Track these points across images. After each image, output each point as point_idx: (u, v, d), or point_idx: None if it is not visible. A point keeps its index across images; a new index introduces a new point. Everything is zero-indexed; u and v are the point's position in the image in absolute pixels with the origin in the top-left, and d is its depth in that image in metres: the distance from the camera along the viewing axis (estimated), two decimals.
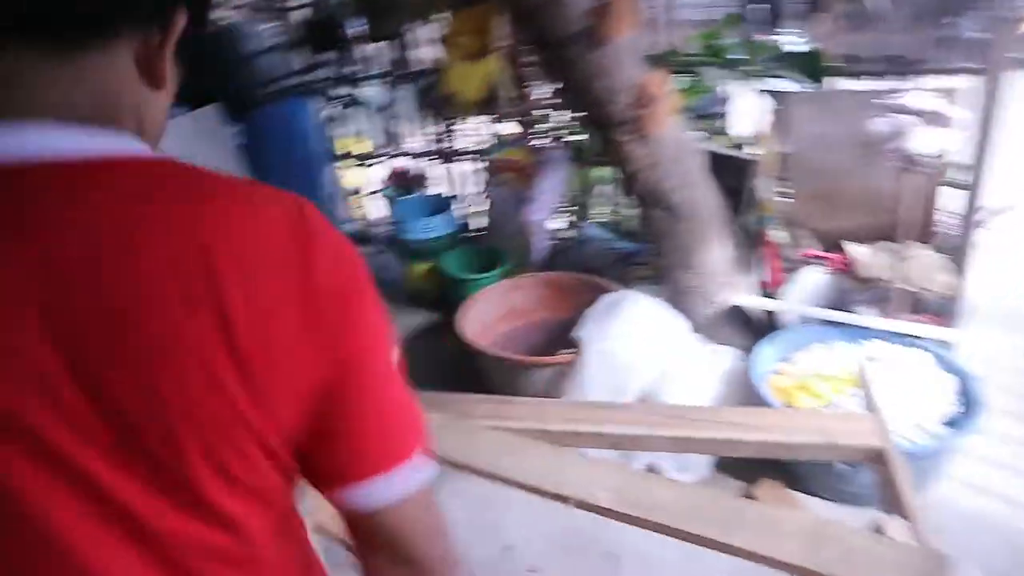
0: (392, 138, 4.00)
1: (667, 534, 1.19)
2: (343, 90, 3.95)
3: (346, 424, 0.67)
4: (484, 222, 3.70)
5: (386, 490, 0.69)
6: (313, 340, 0.63)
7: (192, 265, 0.56)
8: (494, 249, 3.39)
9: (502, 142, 3.46)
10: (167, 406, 0.57)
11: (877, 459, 1.37)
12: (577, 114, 3.01)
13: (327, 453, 0.67)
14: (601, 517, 1.25)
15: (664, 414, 1.44)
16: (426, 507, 0.75)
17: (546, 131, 3.45)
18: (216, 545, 0.65)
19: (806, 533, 1.11)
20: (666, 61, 2.96)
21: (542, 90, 3.29)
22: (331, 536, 1.46)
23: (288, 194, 0.64)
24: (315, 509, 1.35)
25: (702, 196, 2.53)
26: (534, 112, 3.41)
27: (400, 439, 0.70)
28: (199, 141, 3.08)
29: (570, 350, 2.45)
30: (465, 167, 3.81)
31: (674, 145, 2.44)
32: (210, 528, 0.64)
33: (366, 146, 4.20)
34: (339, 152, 4.11)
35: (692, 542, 1.17)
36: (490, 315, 2.96)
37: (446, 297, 3.48)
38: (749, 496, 2.22)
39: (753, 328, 2.61)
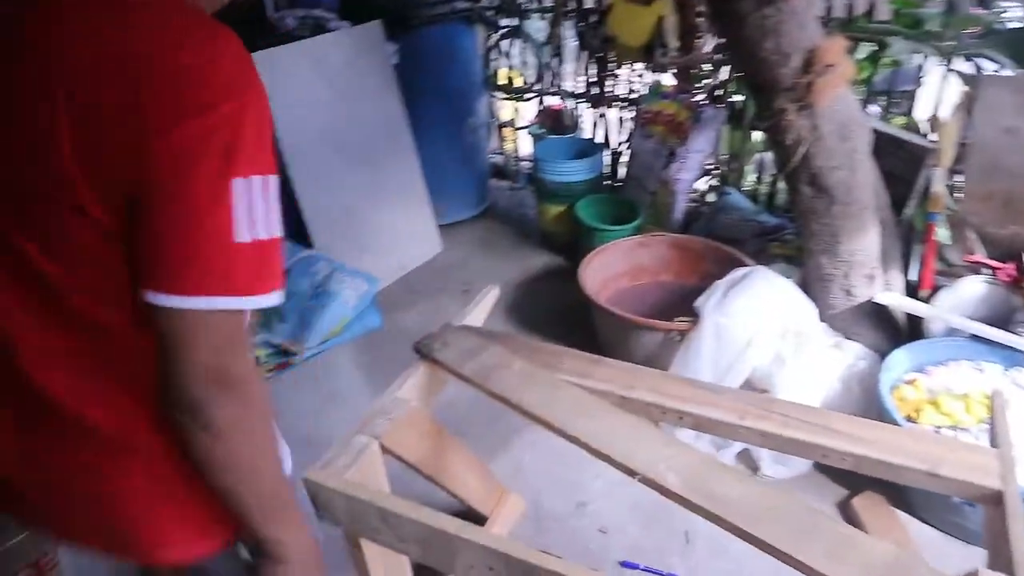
0: (548, 75, 3.92)
1: (730, 531, 1.13)
2: (507, 20, 3.89)
3: (145, 232, 0.75)
4: (625, 173, 3.59)
5: (171, 310, 0.76)
6: (136, 142, 0.72)
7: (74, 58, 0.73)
8: (630, 202, 3.29)
9: (658, 93, 3.31)
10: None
11: (992, 501, 1.22)
12: (740, 74, 2.82)
13: (134, 251, 0.77)
14: None
15: (759, 406, 1.35)
16: (209, 349, 0.78)
17: (706, 87, 3.27)
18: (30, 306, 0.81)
19: (883, 567, 1.01)
20: (848, 26, 2.69)
21: (708, 44, 3.09)
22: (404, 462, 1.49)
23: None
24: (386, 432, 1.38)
25: (863, 179, 2.31)
26: (696, 66, 3.23)
27: (196, 274, 0.75)
28: (358, 56, 3.14)
29: (687, 318, 2.36)
30: (616, 114, 3.68)
31: (841, 120, 2.22)
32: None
33: (522, 80, 4.15)
34: (496, 83, 4.09)
35: (755, 545, 1.11)
36: (613, 269, 2.90)
37: (575, 243, 3.44)
38: (846, 505, 2.08)
39: (890, 330, 2.39)
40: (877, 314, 2.37)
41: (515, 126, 4.17)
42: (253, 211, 0.76)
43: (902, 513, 2.05)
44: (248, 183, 0.76)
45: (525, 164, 4.22)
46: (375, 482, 1.37)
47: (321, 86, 3.03)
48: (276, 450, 0.93)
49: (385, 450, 1.40)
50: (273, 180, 0.79)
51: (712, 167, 3.41)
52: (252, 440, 0.85)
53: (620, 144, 3.70)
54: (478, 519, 2.02)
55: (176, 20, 0.76)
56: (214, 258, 0.76)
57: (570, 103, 3.89)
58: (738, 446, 2.23)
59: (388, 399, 1.44)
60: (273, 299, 0.81)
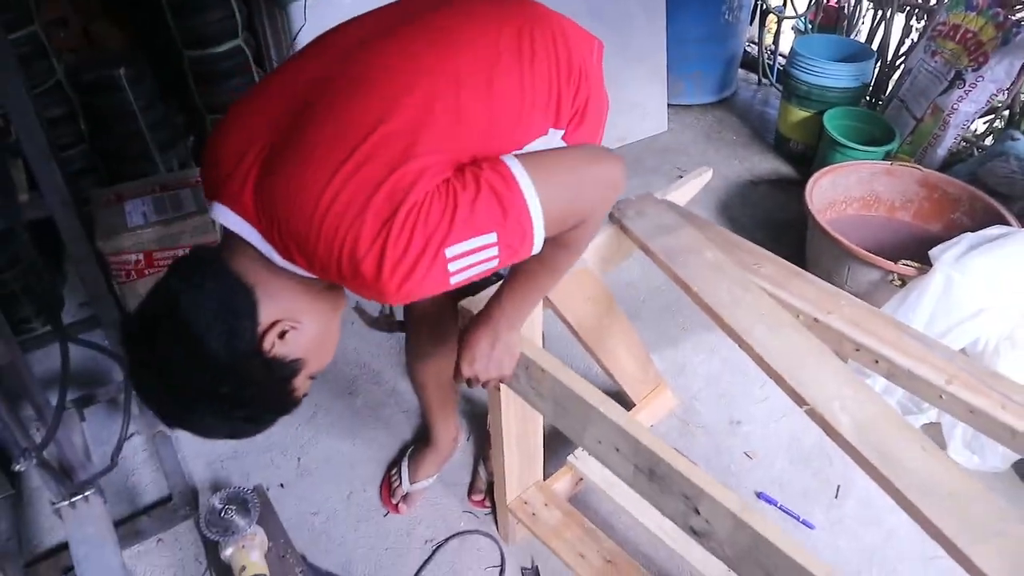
0: None
1: (896, 500, 0.98)
2: None
3: None
4: (891, 90, 3.14)
5: None
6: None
7: None
8: (887, 124, 2.89)
9: (963, 2, 2.79)
10: None
11: None
12: None
13: None
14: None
15: (975, 375, 1.14)
16: None
17: None
18: None
19: None
20: None
21: None
22: None
23: None
24: None
25: None
26: None
27: None
28: None
29: (915, 264, 2.07)
30: (904, 20, 3.18)
31: None
32: None
33: None
34: None
35: (923, 527, 0.95)
36: (846, 192, 2.59)
37: (811, 155, 3.12)
38: None
39: None
40: None
41: (781, 15, 3.75)
42: None
43: None
44: None
45: (780, 60, 3.82)
46: (528, 331, 1.33)
47: None
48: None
49: (546, 303, 1.36)
50: None
51: (1002, 105, 2.88)
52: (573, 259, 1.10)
53: (897, 56, 3.22)
54: (625, 404, 1.97)
55: None
56: None
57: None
58: (927, 417, 1.99)
59: None
60: None
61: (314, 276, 0.92)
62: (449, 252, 0.85)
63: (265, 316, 0.90)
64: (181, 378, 0.89)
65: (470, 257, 0.88)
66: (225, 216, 0.91)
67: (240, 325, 0.89)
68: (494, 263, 0.92)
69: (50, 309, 1.68)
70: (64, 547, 1.74)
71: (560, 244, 1.00)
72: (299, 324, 0.93)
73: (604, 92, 1.21)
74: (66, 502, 1.64)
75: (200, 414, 0.93)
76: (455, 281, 0.89)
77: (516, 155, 0.92)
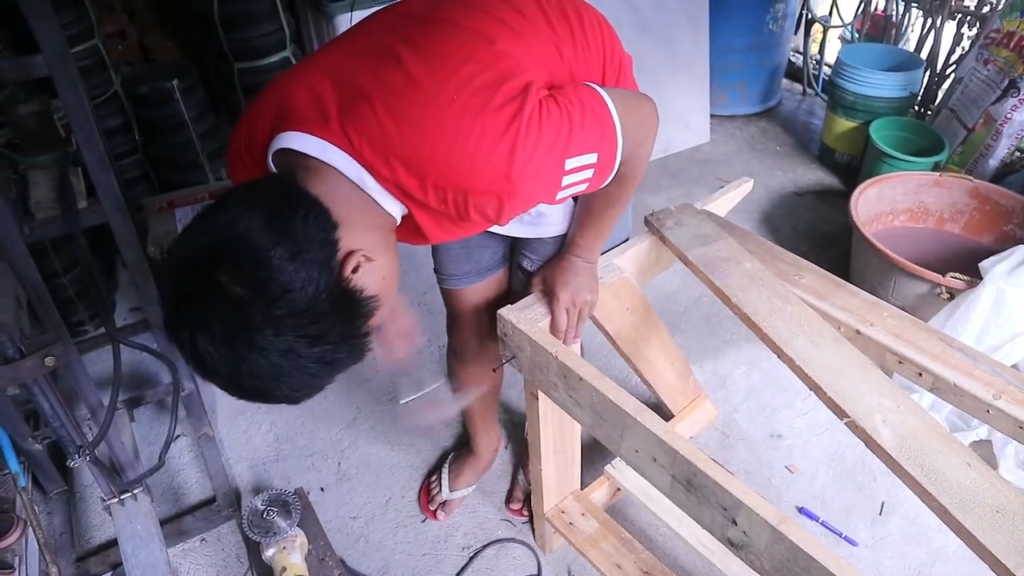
0: None
1: (940, 516, 0.96)
2: None
3: None
4: (941, 100, 3.08)
5: None
6: None
7: None
8: (936, 134, 2.83)
9: (1018, 9, 2.73)
10: None
11: None
12: None
13: None
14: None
15: None
16: None
17: None
18: None
19: None
20: None
21: None
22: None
23: None
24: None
25: None
26: None
27: None
28: None
29: (964, 277, 2.03)
30: (954, 28, 3.12)
31: None
32: None
33: None
34: None
35: (968, 544, 0.93)
36: (892, 203, 2.55)
37: (856, 166, 3.08)
38: None
39: None
40: None
41: (827, 24, 3.70)
42: None
43: None
44: None
45: (826, 70, 3.78)
46: None
47: None
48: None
49: None
50: None
51: None
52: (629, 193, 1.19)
53: (947, 64, 3.15)
54: (664, 415, 1.96)
55: None
56: None
57: (900, 5, 3.36)
58: (976, 434, 1.94)
59: (601, 263, 1.38)
60: None
61: (396, 211, 0.93)
62: (568, 164, 0.93)
63: (343, 243, 0.84)
64: (251, 311, 0.76)
65: (577, 174, 0.96)
66: (304, 142, 0.88)
67: (319, 247, 0.81)
68: (585, 186, 1.00)
69: (104, 312, 1.74)
70: (113, 543, 1.79)
71: (616, 180, 1.08)
72: (374, 259, 0.88)
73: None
74: (116, 499, 1.69)
75: (268, 354, 0.78)
76: (559, 196, 0.97)
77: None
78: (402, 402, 1.30)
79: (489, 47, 0.94)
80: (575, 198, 1.27)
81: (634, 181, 1.15)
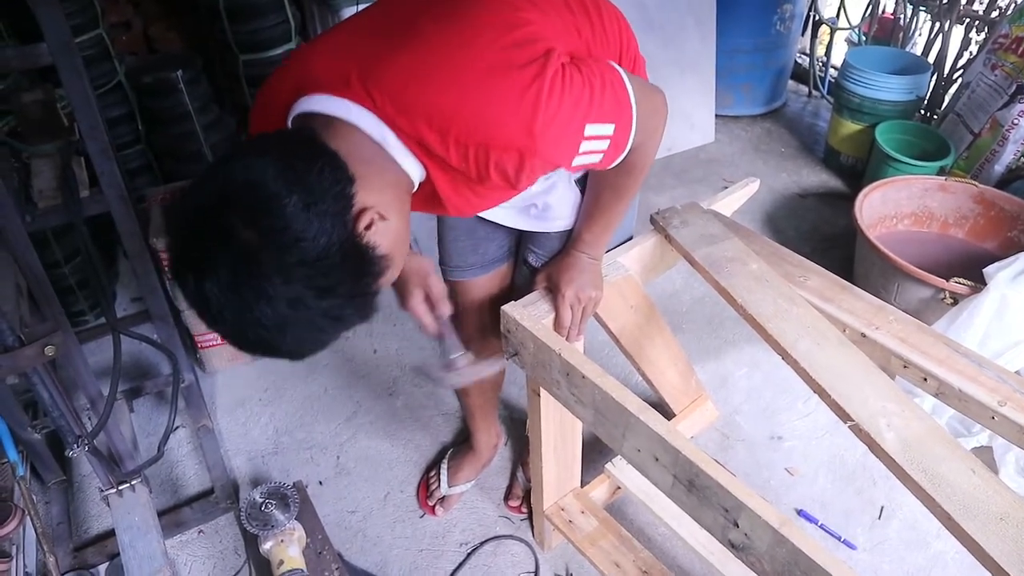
0: None
1: (942, 521, 0.95)
2: None
3: None
4: (947, 104, 3.07)
5: None
6: None
7: None
8: (942, 138, 2.82)
9: None
10: None
11: None
12: None
13: None
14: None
15: None
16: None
17: None
18: None
19: None
20: None
21: None
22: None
23: None
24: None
25: None
26: None
27: None
28: None
29: (968, 282, 2.02)
30: (962, 32, 3.10)
31: None
32: None
33: None
34: None
35: (969, 549, 0.92)
36: (897, 207, 2.54)
37: (861, 169, 3.07)
38: None
39: None
40: None
41: (834, 26, 3.69)
42: None
43: None
44: None
45: (832, 72, 3.77)
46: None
47: None
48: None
49: None
50: None
51: None
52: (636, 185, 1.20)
53: (954, 69, 3.14)
54: (665, 414, 1.95)
55: None
56: None
57: (908, 8, 3.35)
58: (977, 440, 1.93)
59: (606, 261, 1.38)
60: None
61: (414, 171, 0.93)
62: (587, 130, 0.94)
63: (359, 199, 0.83)
64: (261, 257, 0.75)
65: (594, 143, 0.97)
66: (326, 103, 0.89)
67: (334, 199, 0.79)
68: (599, 158, 1.00)
69: (104, 302, 1.73)
70: (110, 534, 1.79)
71: (626, 169, 1.10)
72: (388, 218, 0.87)
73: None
74: (114, 490, 1.69)
75: (275, 303, 0.76)
76: (576, 163, 0.98)
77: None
78: (451, 357, 1.31)
79: (514, 14, 0.95)
80: (582, 192, 1.28)
81: (642, 172, 1.17)
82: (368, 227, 0.83)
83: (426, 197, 0.99)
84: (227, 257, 0.75)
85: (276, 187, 0.75)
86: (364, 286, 0.85)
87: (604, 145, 0.98)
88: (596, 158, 1.00)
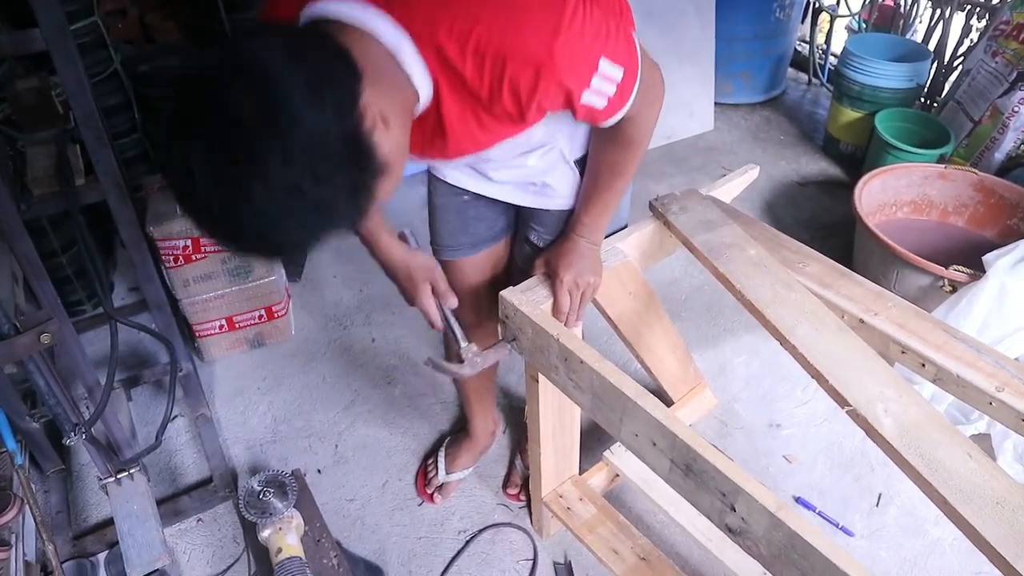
0: None
1: (939, 506, 0.95)
2: None
3: None
4: (947, 92, 3.06)
5: None
6: None
7: None
8: (942, 126, 2.81)
9: None
10: None
11: None
12: None
13: None
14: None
15: None
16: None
17: None
18: None
19: None
20: None
21: None
22: None
23: None
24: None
25: None
26: None
27: None
28: None
29: (967, 270, 2.02)
30: (963, 19, 3.09)
31: None
32: None
33: None
34: None
35: (966, 534, 0.92)
36: (896, 195, 2.53)
37: (861, 156, 3.06)
38: None
39: None
40: None
41: (834, 14, 3.67)
42: None
43: None
44: None
45: (832, 59, 3.75)
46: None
47: None
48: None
49: None
50: None
51: None
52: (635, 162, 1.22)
53: (955, 56, 3.13)
54: (664, 402, 1.95)
55: None
56: None
57: None
58: (975, 427, 1.93)
59: (605, 247, 1.37)
60: None
61: (424, 87, 0.92)
62: (601, 64, 0.95)
63: (364, 98, 0.80)
64: (258, 133, 0.71)
65: (604, 82, 0.97)
66: (339, 7, 0.87)
67: (339, 88, 0.77)
68: (604, 101, 1.00)
69: (101, 289, 1.73)
70: (109, 522, 1.79)
71: (624, 143, 1.14)
72: (390, 125, 0.85)
73: None
74: (112, 478, 1.69)
75: (268, 185, 0.71)
76: (584, 99, 0.97)
77: None
78: (464, 345, 1.32)
79: None
80: (582, 175, 1.28)
81: (640, 147, 1.17)
82: (371, 128, 0.81)
83: (426, 135, 0.99)
84: (222, 132, 0.71)
85: (282, 66, 0.73)
86: (361, 183, 0.81)
87: (611, 89, 0.99)
88: (602, 101, 1.00)
